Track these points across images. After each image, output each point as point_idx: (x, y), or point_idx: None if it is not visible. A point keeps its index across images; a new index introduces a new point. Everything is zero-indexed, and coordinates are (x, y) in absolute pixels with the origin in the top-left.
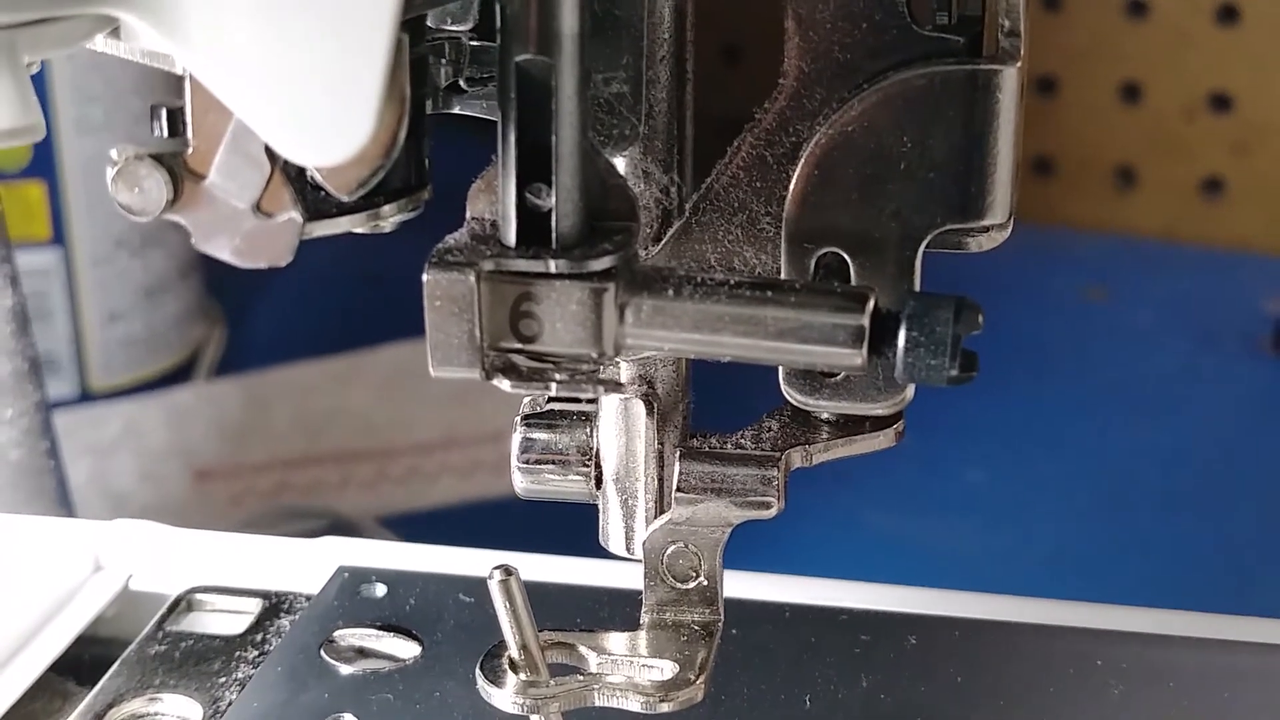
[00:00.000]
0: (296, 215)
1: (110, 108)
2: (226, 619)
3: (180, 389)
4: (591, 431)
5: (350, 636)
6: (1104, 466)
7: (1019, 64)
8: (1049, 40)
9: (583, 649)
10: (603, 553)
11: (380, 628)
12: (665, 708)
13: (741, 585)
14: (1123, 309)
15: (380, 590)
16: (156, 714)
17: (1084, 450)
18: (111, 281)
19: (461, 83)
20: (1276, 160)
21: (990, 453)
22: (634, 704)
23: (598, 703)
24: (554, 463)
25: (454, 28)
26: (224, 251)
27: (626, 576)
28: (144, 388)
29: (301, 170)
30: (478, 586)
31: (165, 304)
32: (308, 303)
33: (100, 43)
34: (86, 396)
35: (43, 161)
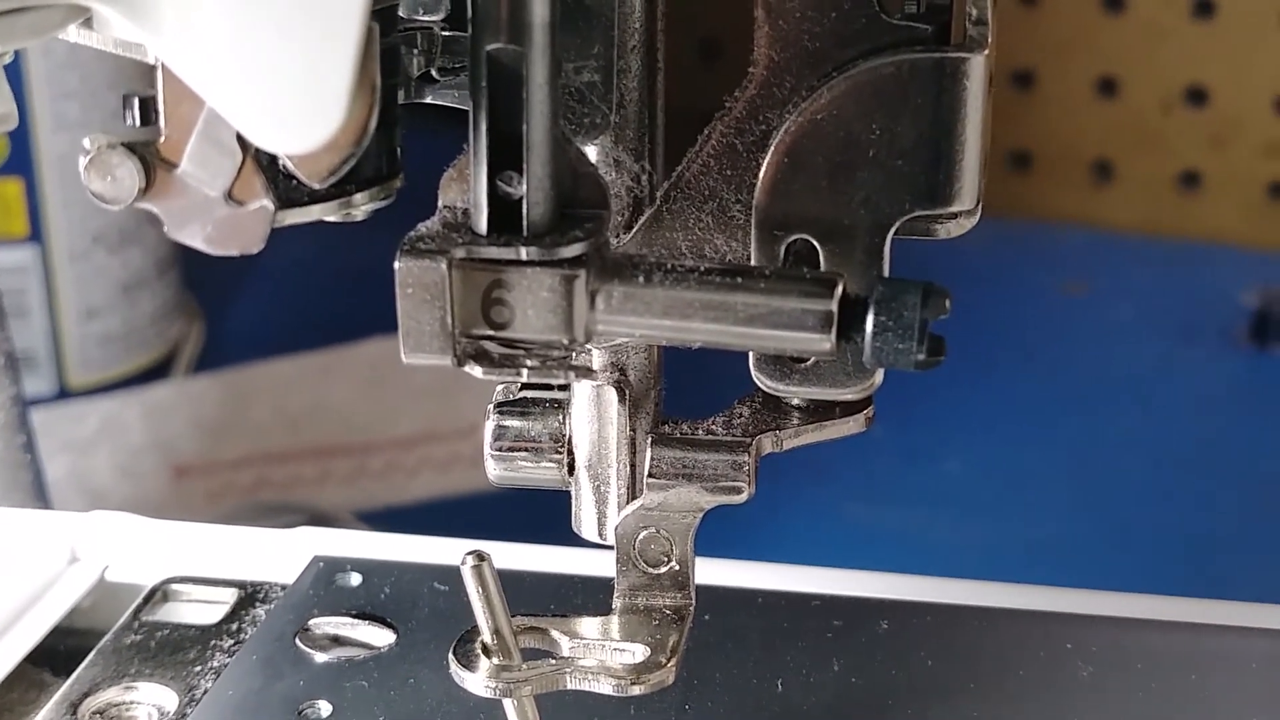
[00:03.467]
0: (268, 203)
1: (86, 104)
2: (202, 609)
3: (159, 385)
4: (564, 418)
5: (325, 625)
6: (1083, 458)
7: (986, 52)
8: (1026, 34)
9: (555, 633)
10: (578, 541)
11: (355, 616)
12: (636, 690)
13: (714, 572)
14: (1101, 302)
15: (355, 579)
16: (132, 703)
17: (1063, 442)
18: (89, 278)
19: (433, 72)
20: (1252, 153)
21: (970, 445)
22: (606, 687)
23: (570, 686)
24: (527, 450)
25: (425, 18)
26: (196, 239)
27: (600, 564)
28: (122, 384)
29: (273, 158)
30: (452, 575)
31: (143, 300)
32: (286, 298)
33: (73, 33)
34: (64, 393)
35: (19, 158)
